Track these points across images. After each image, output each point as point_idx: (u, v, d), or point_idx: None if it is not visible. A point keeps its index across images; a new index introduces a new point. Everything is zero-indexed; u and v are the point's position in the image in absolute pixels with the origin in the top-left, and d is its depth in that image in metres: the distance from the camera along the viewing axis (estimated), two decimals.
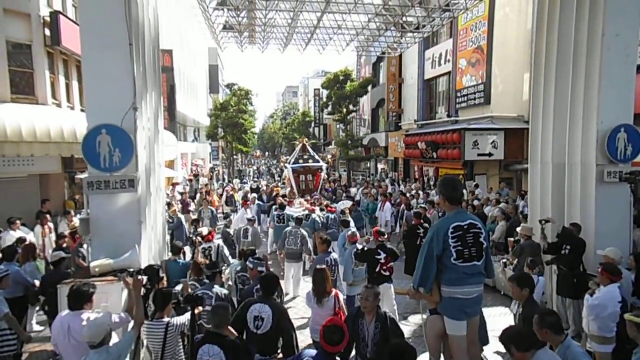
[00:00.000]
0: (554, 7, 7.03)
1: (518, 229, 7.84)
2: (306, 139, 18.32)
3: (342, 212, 11.75)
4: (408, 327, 7.17)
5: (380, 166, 28.66)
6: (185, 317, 3.97)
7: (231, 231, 9.82)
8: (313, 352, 3.27)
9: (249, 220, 10.00)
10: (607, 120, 6.34)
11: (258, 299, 4.28)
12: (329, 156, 33.97)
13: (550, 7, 7.12)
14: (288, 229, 8.90)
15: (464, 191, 14.87)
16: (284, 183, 19.35)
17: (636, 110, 6.73)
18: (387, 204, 14.04)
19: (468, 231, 4.04)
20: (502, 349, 5.87)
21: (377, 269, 6.45)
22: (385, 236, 7.04)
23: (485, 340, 4.94)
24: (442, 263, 4.08)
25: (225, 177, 30.99)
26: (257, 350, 4.10)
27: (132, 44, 5.47)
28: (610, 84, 6.31)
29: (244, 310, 4.11)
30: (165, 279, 5.34)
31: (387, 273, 6.47)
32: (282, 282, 8.54)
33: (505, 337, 3.28)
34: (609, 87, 6.31)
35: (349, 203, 13.06)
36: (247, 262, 5.64)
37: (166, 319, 4.01)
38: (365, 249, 6.90)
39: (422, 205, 11.79)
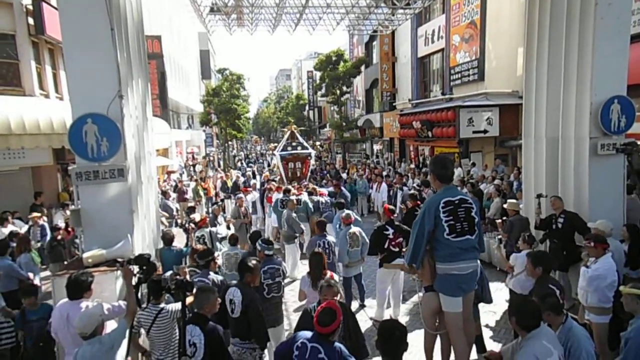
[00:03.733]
0: None
1: (505, 206, 7.85)
2: (295, 126, 18.20)
3: (333, 193, 11.78)
4: (406, 305, 7.23)
5: (376, 147, 28.58)
6: (179, 304, 3.97)
7: (228, 216, 9.83)
8: (308, 333, 3.27)
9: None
10: (600, 92, 6.26)
11: (235, 283, 4.30)
12: (324, 138, 33.83)
13: None
14: (285, 213, 9.08)
15: (460, 169, 14.92)
16: (272, 171, 19.31)
17: (630, 82, 6.65)
18: (384, 184, 14.05)
19: (459, 206, 4.07)
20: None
21: (386, 245, 6.45)
22: (396, 214, 6.99)
23: (488, 299, 5.17)
24: (435, 239, 4.10)
25: (221, 163, 30.86)
26: (235, 333, 4.18)
27: (114, 29, 5.32)
28: (603, 55, 6.20)
29: (223, 293, 4.19)
30: (160, 267, 5.32)
31: (397, 249, 6.46)
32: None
33: (512, 309, 3.25)
34: (602, 58, 6.21)
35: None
36: (257, 245, 5.60)
37: (161, 305, 4.03)
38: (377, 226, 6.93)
39: (416, 186, 11.79)
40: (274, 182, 13.24)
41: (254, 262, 4.32)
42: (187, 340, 3.44)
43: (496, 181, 11.20)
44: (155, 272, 5.08)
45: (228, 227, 9.17)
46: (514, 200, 7.55)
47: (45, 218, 9.60)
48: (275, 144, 24.47)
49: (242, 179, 17.21)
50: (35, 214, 9.02)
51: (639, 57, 8.55)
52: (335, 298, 3.72)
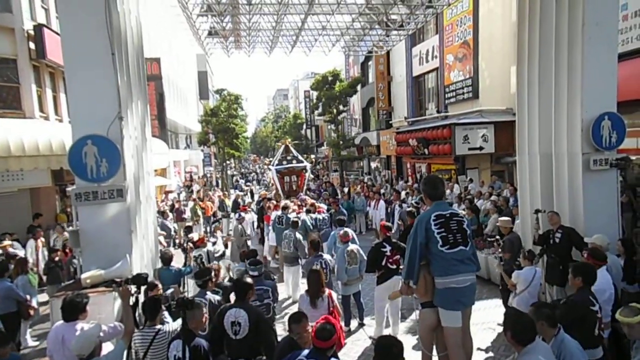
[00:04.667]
0: None
1: (497, 224, 7.89)
2: (289, 140, 18.33)
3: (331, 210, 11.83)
4: (405, 323, 7.20)
5: (373, 165, 28.72)
6: (177, 323, 3.97)
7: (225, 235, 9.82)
8: (305, 351, 3.29)
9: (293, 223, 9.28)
10: (591, 109, 6.38)
11: (233, 304, 4.20)
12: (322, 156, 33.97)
13: None
14: (286, 232, 8.91)
15: (457, 186, 15.01)
16: (267, 187, 19.37)
17: (620, 99, 6.79)
18: (381, 202, 14.10)
19: (451, 219, 4.18)
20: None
21: (384, 263, 6.46)
22: (392, 231, 7.01)
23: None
24: (430, 253, 4.16)
25: (219, 182, 30.91)
26: (238, 356, 4.01)
27: (115, 53, 5.45)
28: (592, 73, 6.34)
29: (220, 317, 4.03)
30: (160, 286, 5.32)
31: (394, 266, 6.48)
32: (283, 285, 8.68)
33: (508, 323, 3.24)
34: (591, 76, 6.35)
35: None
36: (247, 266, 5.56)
37: (157, 327, 4.02)
38: (374, 244, 6.91)
39: (414, 204, 11.83)
40: (273, 202, 13.29)
41: (249, 279, 4.33)
42: (172, 356, 3.43)
43: (493, 197, 11.26)
44: (157, 290, 5.09)
45: (225, 246, 9.17)
46: (506, 218, 7.57)
47: (43, 239, 9.60)
48: (270, 159, 24.57)
49: (246, 199, 17.29)
50: (6, 243, 8.51)
51: (628, 74, 8.77)
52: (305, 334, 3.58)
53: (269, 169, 17.98)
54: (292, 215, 10.69)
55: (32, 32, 11.59)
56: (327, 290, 4.94)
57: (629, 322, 3.43)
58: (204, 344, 3.58)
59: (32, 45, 11.60)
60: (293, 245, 8.49)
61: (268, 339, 4.02)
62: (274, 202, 12.78)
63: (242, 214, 11.33)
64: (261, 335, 3.97)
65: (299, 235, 8.71)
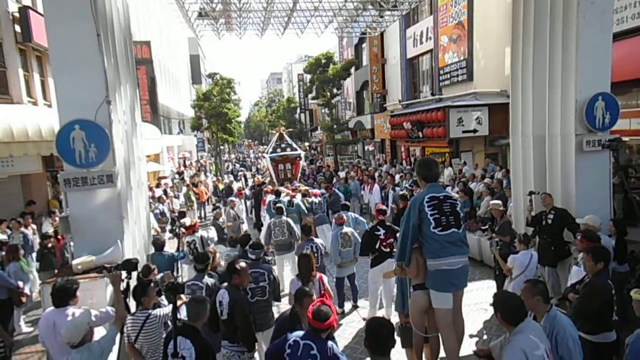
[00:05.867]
0: None
1: (489, 207, 7.91)
2: (283, 128, 18.26)
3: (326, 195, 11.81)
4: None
5: (367, 148, 28.67)
6: (169, 309, 3.96)
7: (220, 222, 9.72)
8: (300, 332, 3.28)
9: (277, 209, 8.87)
10: (585, 90, 6.36)
11: (225, 285, 4.33)
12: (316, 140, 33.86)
13: None
14: (271, 220, 8.59)
15: (451, 169, 15.02)
16: (262, 174, 19.36)
17: (614, 79, 6.75)
18: (376, 186, 14.08)
19: (444, 201, 4.19)
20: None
21: (378, 246, 6.51)
22: (387, 214, 7.01)
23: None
24: (422, 234, 4.17)
25: (212, 168, 30.76)
26: (224, 336, 4.20)
27: (100, 34, 5.32)
28: (587, 53, 6.30)
29: (213, 296, 4.24)
30: (156, 270, 5.28)
31: (388, 249, 6.52)
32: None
33: (497, 304, 3.24)
34: (586, 56, 6.31)
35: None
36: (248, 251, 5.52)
37: (148, 311, 4.01)
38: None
39: (408, 187, 11.83)
40: (269, 186, 13.24)
41: (241, 264, 4.32)
42: (177, 352, 3.32)
43: (486, 180, 11.28)
44: (153, 275, 5.07)
45: (224, 231, 9.16)
46: (497, 201, 7.55)
47: (34, 226, 9.52)
48: (265, 146, 24.52)
49: (235, 184, 17.21)
50: None
51: (622, 54, 8.72)
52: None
53: (264, 157, 17.94)
54: (285, 199, 10.66)
55: (17, 15, 11.30)
56: (317, 274, 4.94)
57: None
58: (210, 343, 3.56)
59: (17, 28, 11.32)
60: (287, 230, 8.27)
61: (242, 326, 4.04)
62: (270, 187, 12.76)
63: (234, 198, 11.29)
64: (237, 318, 4.04)
65: (289, 219, 8.42)
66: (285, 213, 8.69)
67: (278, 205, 9.00)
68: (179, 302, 3.67)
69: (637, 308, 3.43)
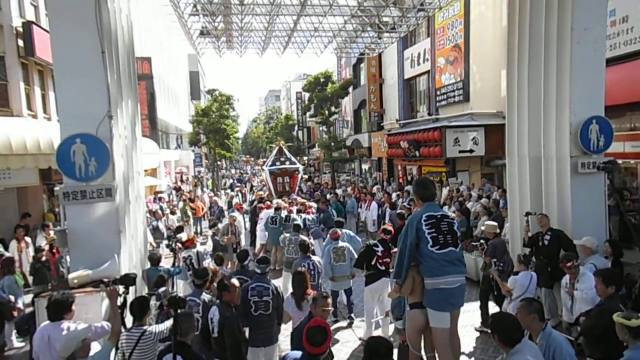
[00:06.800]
0: (524, 2, 7.17)
1: (482, 228, 7.90)
2: (282, 142, 18.43)
3: (321, 210, 11.81)
4: (394, 324, 7.19)
5: (364, 166, 28.78)
6: (165, 325, 3.93)
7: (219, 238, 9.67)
8: (298, 353, 3.25)
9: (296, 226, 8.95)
10: (579, 113, 6.48)
11: (216, 302, 4.36)
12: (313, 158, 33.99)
13: (521, 2, 7.26)
14: (287, 235, 8.65)
15: (446, 189, 15.09)
16: (262, 188, 19.42)
17: (607, 103, 6.88)
18: (374, 203, 14.09)
19: (442, 220, 4.23)
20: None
21: (374, 262, 6.49)
22: (390, 235, 6.96)
23: None
24: (420, 253, 4.18)
25: (209, 183, 30.74)
26: (216, 354, 4.17)
27: (105, 51, 5.41)
28: (581, 77, 6.45)
29: (205, 313, 4.30)
30: (147, 287, 5.26)
31: (383, 267, 6.50)
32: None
33: (494, 325, 3.23)
34: (580, 80, 6.45)
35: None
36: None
37: (144, 327, 3.97)
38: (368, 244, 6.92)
39: (406, 205, 11.85)
40: (267, 202, 13.26)
41: (232, 280, 4.33)
42: None
43: (483, 200, 11.34)
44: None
45: (225, 248, 9.14)
46: (492, 223, 7.51)
47: (27, 239, 9.44)
48: (264, 160, 24.63)
49: (235, 200, 17.23)
50: None
51: (615, 79, 8.89)
52: (329, 309, 3.76)
53: (263, 170, 18.10)
54: (284, 215, 10.66)
55: (20, 29, 11.43)
56: (312, 292, 4.91)
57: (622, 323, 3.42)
58: (203, 358, 3.55)
59: (20, 43, 11.44)
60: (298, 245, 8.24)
61: (229, 343, 4.02)
62: (268, 203, 12.77)
63: (234, 213, 11.26)
64: (225, 334, 4.04)
65: (305, 238, 8.23)
66: (299, 229, 8.77)
67: (296, 222, 9.07)
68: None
69: (619, 331, 3.42)
